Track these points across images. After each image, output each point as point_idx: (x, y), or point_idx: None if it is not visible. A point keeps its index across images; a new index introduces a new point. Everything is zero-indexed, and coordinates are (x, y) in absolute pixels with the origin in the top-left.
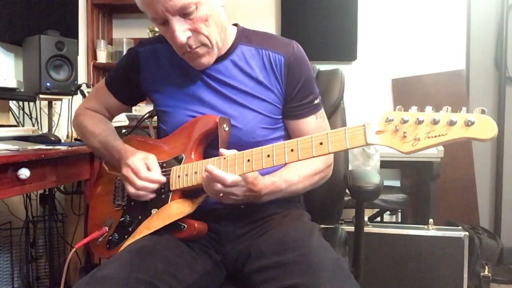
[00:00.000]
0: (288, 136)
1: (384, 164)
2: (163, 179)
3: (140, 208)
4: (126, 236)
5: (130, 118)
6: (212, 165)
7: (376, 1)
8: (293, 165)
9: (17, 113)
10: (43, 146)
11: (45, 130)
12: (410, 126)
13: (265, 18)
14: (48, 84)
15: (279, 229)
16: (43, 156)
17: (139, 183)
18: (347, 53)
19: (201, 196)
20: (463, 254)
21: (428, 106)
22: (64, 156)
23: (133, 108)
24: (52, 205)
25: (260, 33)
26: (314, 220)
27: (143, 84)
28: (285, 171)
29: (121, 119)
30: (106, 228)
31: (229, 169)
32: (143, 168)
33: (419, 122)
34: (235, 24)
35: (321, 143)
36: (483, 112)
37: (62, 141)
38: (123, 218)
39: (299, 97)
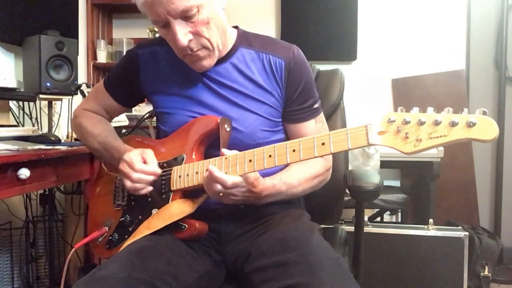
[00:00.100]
0: (288, 139)
1: (384, 164)
2: (158, 170)
3: (140, 208)
4: (126, 236)
5: (130, 118)
6: (214, 166)
7: (376, 1)
8: (294, 168)
9: (17, 113)
10: (43, 146)
11: (45, 130)
12: (412, 127)
13: (265, 18)
14: (48, 84)
15: (279, 229)
16: (43, 156)
17: (135, 175)
18: (347, 53)
19: (202, 196)
20: (463, 254)
21: (430, 107)
22: (64, 156)
23: (133, 108)
24: (52, 205)
25: (260, 37)
26: (314, 220)
27: (143, 86)
28: (286, 173)
29: (121, 119)
30: (106, 228)
31: (230, 169)
32: (138, 161)
33: (421, 123)
34: (236, 27)
35: (323, 144)
36: (484, 113)
37: (62, 141)
38: (123, 218)
39: (299, 101)
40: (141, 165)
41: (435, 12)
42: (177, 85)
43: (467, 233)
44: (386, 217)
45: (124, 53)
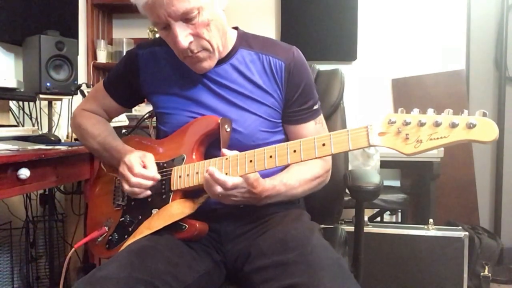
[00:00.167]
0: (287, 140)
1: (384, 164)
2: (157, 176)
3: (140, 208)
4: (126, 236)
5: (130, 118)
6: (214, 168)
7: (376, 1)
8: (293, 169)
9: (17, 113)
10: (43, 146)
11: (45, 130)
12: (412, 128)
13: (265, 18)
14: (48, 84)
15: (279, 229)
16: (43, 156)
17: (133, 179)
18: (347, 53)
19: (202, 197)
20: (463, 254)
21: (430, 108)
22: (64, 156)
23: (133, 108)
24: (52, 205)
25: (260, 38)
26: (314, 220)
27: (142, 86)
28: (285, 175)
29: (121, 119)
30: (106, 228)
31: (231, 169)
32: (137, 165)
33: (421, 124)
34: (235, 28)
35: (323, 144)
36: (484, 115)
37: (62, 141)
38: (123, 218)
39: (299, 103)
40: (140, 169)
41: (435, 12)
42: (177, 86)
43: (467, 233)
44: (386, 217)
45: (124, 53)
